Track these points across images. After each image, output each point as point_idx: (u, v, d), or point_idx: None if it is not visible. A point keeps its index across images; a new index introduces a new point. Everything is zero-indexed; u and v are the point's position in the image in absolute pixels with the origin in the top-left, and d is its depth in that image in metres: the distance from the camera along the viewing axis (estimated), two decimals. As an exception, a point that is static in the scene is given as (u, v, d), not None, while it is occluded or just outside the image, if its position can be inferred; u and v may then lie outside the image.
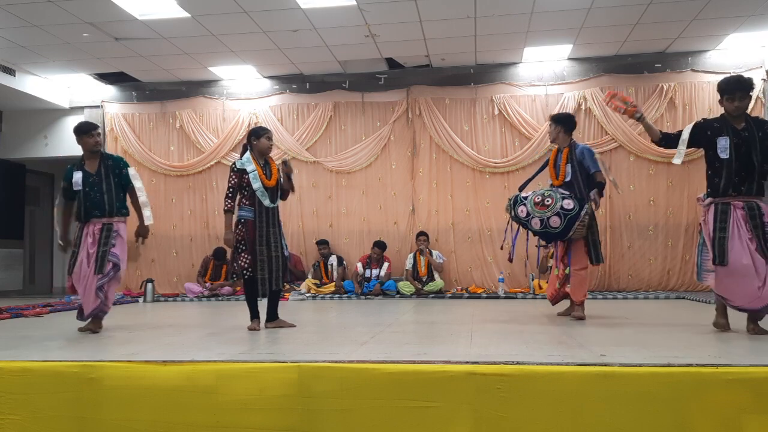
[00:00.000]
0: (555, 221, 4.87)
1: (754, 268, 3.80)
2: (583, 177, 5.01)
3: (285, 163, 4.74)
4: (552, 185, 5.17)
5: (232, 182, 4.56)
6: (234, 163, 4.61)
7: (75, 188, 4.66)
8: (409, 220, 9.06)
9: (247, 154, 4.65)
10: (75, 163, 4.80)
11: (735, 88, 3.94)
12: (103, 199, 4.63)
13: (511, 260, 5.46)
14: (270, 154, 4.74)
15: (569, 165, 5.07)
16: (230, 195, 4.55)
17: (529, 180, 5.44)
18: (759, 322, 3.97)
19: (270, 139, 4.70)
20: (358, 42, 8.01)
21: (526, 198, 5.09)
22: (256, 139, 4.64)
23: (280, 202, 4.77)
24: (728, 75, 4.32)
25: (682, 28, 7.74)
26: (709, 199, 4.07)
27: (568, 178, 5.06)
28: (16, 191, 10.47)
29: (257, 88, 9.52)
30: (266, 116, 9.33)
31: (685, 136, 4.11)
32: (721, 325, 4.15)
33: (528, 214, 5.02)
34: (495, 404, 2.67)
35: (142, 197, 4.78)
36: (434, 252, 8.62)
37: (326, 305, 7.44)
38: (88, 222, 4.65)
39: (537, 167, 5.65)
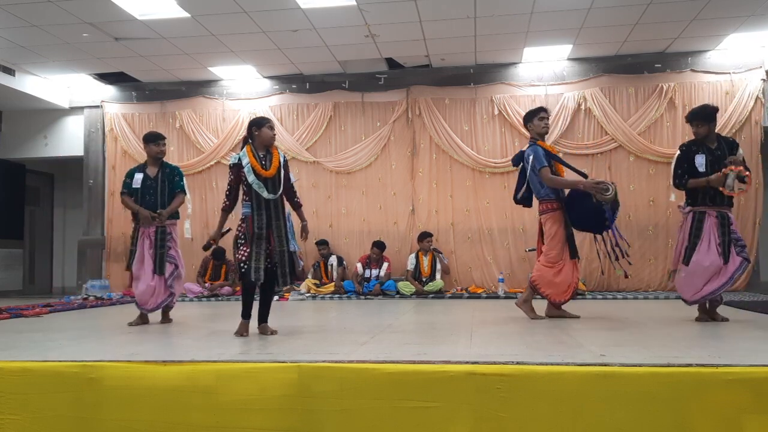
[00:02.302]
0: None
1: (710, 270, 4.53)
2: None
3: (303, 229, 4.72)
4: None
5: (231, 179, 4.40)
6: (231, 160, 4.45)
7: (134, 186, 5.21)
8: (409, 220, 9.06)
9: (245, 147, 4.45)
10: (140, 165, 5.42)
11: (691, 117, 4.70)
12: (156, 202, 5.16)
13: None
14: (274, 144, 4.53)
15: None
16: (228, 193, 4.42)
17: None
18: (717, 310, 4.78)
19: (272, 128, 4.46)
20: (358, 42, 8.01)
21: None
22: (258, 129, 4.40)
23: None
24: (699, 105, 4.89)
25: (681, 28, 7.74)
26: (688, 208, 4.71)
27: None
28: (16, 191, 10.47)
29: (257, 88, 9.52)
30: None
31: (674, 165, 4.76)
32: (702, 318, 4.77)
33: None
34: (495, 404, 2.67)
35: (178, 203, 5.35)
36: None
37: (326, 305, 7.43)
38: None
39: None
